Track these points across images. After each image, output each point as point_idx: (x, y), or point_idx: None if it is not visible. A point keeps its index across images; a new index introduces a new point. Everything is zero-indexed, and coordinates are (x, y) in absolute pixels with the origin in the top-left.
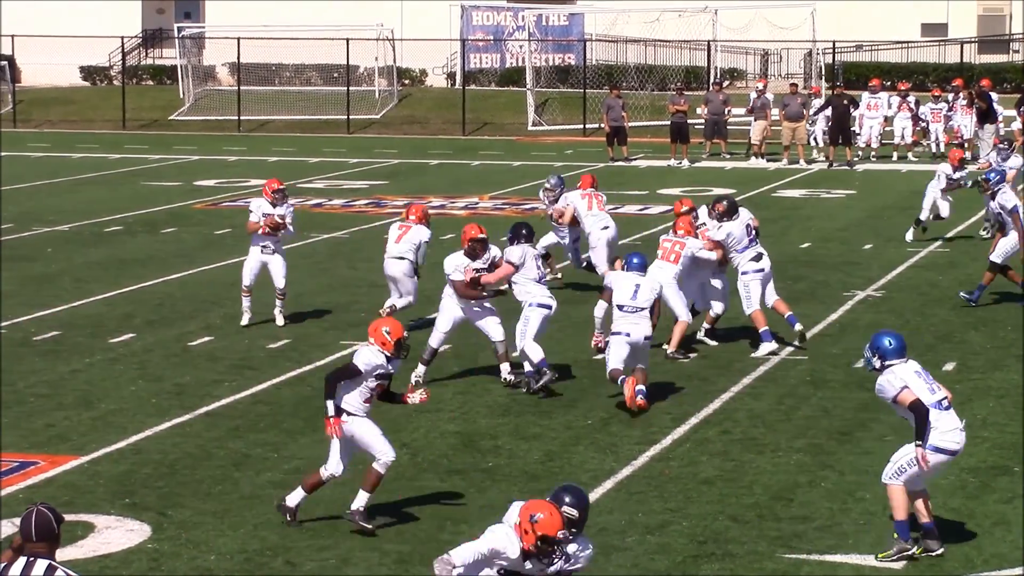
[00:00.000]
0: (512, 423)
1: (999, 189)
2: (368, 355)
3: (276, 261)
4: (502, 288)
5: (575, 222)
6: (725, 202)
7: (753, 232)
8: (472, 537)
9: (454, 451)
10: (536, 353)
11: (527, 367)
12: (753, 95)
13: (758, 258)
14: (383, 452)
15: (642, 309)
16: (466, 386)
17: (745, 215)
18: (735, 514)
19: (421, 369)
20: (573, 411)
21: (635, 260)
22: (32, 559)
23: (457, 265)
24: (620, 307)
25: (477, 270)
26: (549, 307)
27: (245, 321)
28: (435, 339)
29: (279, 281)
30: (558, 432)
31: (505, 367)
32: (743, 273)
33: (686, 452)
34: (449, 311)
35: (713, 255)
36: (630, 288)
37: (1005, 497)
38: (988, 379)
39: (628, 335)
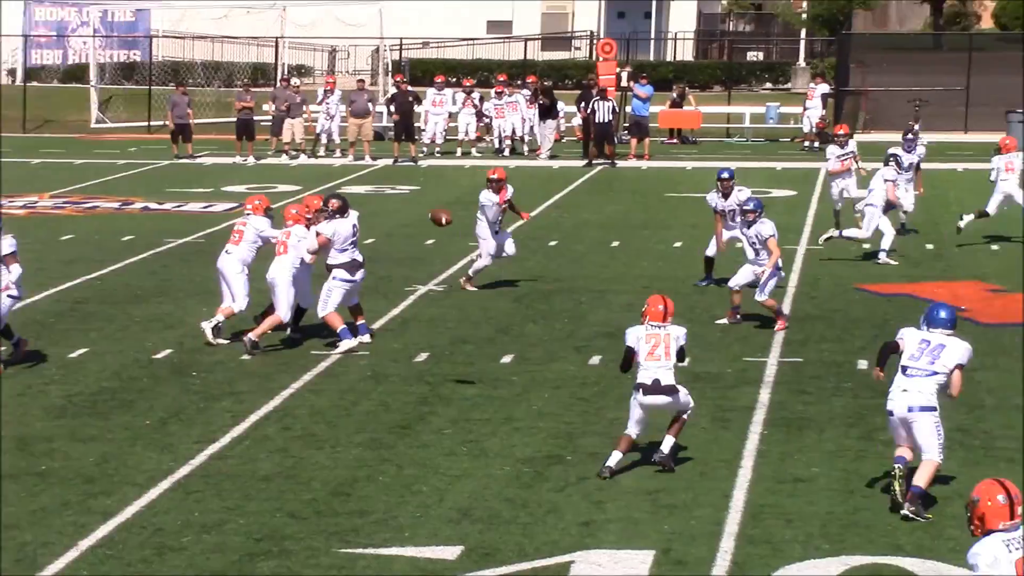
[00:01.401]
0: (68, 425)
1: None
2: None
3: None
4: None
5: None
6: (338, 200)
7: (358, 235)
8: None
9: (7, 455)
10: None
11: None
12: (321, 92)
13: (353, 268)
14: None
15: None
16: (22, 388)
17: (354, 216)
18: (293, 510)
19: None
20: (131, 411)
21: None
22: None
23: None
24: None
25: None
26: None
27: None
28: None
29: None
30: (115, 433)
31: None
32: (333, 277)
33: (245, 450)
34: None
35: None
36: None
37: (558, 486)
38: (545, 370)
39: None
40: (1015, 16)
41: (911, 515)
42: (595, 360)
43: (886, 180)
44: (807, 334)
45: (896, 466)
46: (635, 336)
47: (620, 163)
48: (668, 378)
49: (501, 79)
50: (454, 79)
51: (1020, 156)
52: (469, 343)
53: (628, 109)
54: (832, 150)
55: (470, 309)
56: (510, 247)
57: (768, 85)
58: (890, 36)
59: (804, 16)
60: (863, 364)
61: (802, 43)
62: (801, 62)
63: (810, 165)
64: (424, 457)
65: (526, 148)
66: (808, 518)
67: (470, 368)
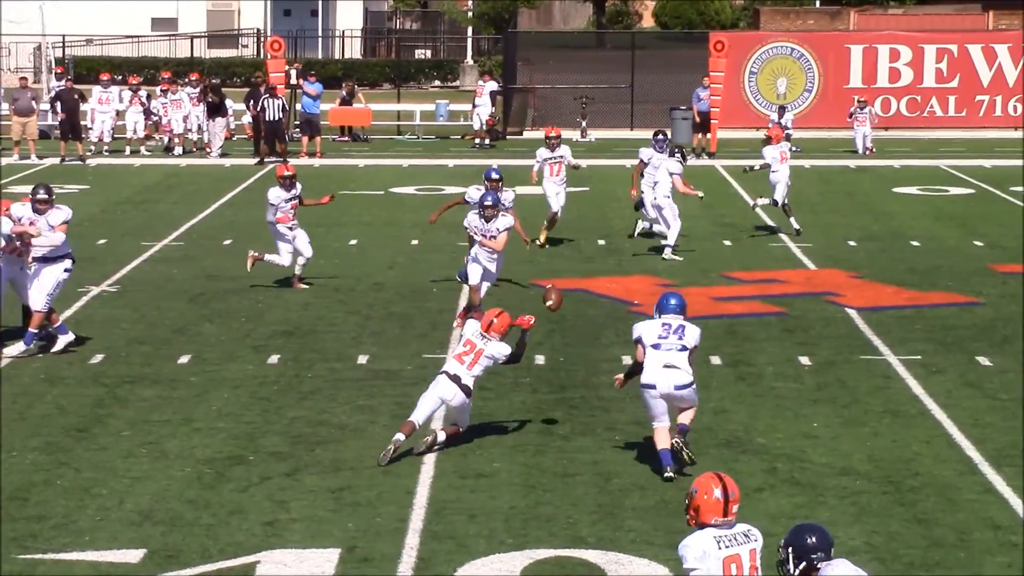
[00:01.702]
0: None
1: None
2: None
3: None
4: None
5: None
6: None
7: None
8: None
9: None
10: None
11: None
12: None
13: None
14: None
15: None
16: None
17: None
18: None
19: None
20: None
21: None
22: None
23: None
24: None
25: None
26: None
27: None
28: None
29: None
30: None
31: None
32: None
33: None
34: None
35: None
36: None
37: (241, 486)
38: (223, 370)
39: None
40: (675, 15)
41: (683, 450)
42: (274, 359)
43: (672, 173)
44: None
45: (674, 440)
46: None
47: (292, 161)
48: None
49: (166, 76)
50: (120, 77)
51: (789, 145)
52: (145, 344)
53: (298, 107)
54: (541, 152)
55: (145, 309)
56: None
57: (437, 83)
58: (555, 34)
59: (470, 14)
60: (541, 359)
61: (469, 41)
62: (469, 60)
63: (482, 162)
64: (103, 460)
65: (195, 147)
66: (491, 513)
67: (147, 369)
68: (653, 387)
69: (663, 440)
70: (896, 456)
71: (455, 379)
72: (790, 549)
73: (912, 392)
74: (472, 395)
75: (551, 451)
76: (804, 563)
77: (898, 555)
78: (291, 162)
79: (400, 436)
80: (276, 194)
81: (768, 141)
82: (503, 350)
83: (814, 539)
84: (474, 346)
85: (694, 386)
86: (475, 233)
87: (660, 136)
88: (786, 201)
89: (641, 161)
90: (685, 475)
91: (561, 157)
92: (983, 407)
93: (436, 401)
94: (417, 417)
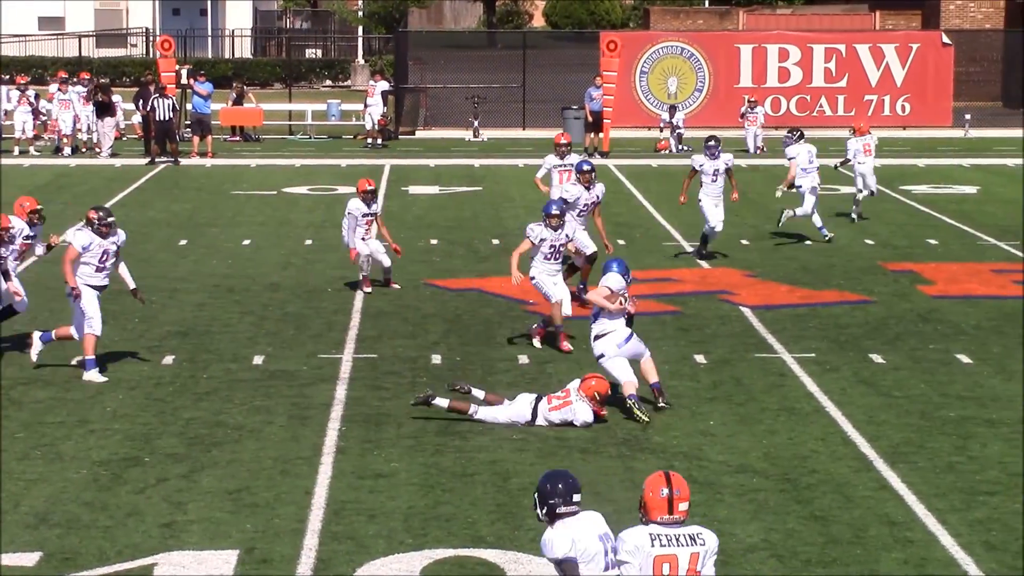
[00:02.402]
0: None
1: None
2: None
3: None
4: None
5: None
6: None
7: None
8: None
9: None
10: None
11: None
12: None
13: None
14: None
15: None
16: None
17: None
18: None
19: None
20: None
21: None
22: None
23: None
24: None
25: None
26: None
27: None
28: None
29: None
30: None
31: None
32: None
33: None
34: None
35: None
36: None
37: (138, 488)
38: (118, 371)
39: None
40: (565, 15)
41: (665, 404)
42: (169, 360)
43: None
44: (381, 330)
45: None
46: None
47: (184, 161)
48: None
49: (62, 76)
50: (7, 76)
51: (875, 138)
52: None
53: (189, 107)
54: (550, 159)
55: (37, 310)
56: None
57: (328, 82)
58: (446, 34)
59: (360, 14)
60: (437, 359)
61: (360, 40)
62: (360, 59)
63: (375, 162)
64: None
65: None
66: (390, 513)
67: (41, 370)
68: (620, 345)
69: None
70: (792, 453)
71: (534, 412)
72: (535, 494)
73: (807, 390)
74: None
75: (450, 451)
76: (545, 508)
77: (795, 552)
78: (183, 162)
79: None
80: (356, 206)
81: (853, 133)
82: (586, 417)
83: (550, 485)
84: (567, 398)
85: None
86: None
87: (712, 142)
88: (874, 190)
89: (693, 169)
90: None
91: (571, 166)
92: (877, 404)
93: (507, 420)
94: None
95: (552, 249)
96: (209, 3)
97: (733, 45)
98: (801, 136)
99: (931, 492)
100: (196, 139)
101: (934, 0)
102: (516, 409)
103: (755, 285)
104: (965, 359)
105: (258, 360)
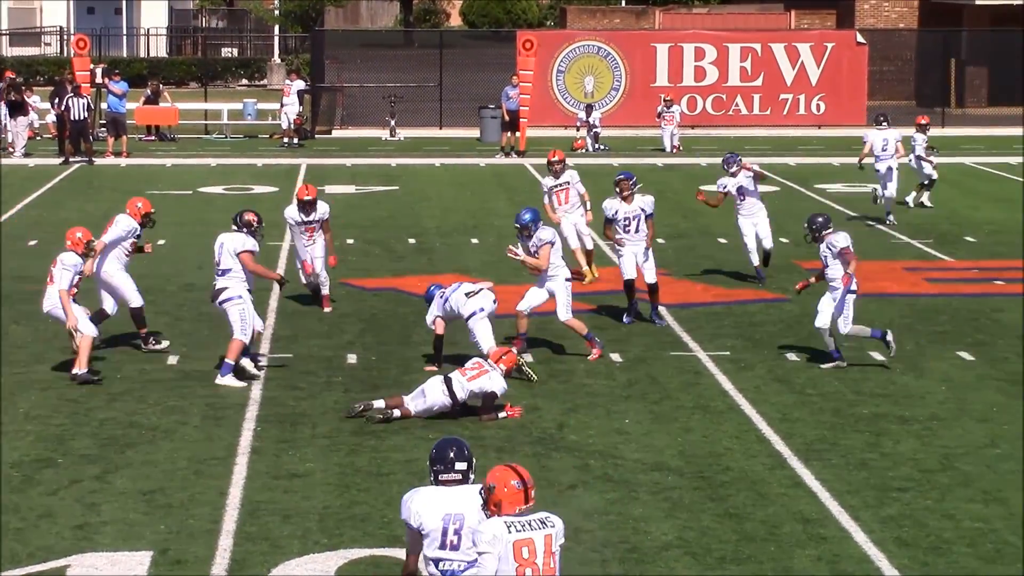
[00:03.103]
0: None
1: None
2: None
3: None
4: None
5: None
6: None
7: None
8: None
9: None
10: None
11: None
12: None
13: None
14: None
15: None
16: None
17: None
18: None
19: None
20: None
21: None
22: None
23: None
24: None
25: None
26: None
27: None
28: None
29: None
30: None
31: None
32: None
33: None
34: None
35: None
36: None
37: (50, 489)
38: (31, 372)
39: None
40: (482, 14)
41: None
42: None
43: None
44: (296, 330)
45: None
46: None
47: (98, 160)
48: None
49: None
50: None
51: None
52: None
53: (104, 106)
54: (546, 182)
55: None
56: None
57: (244, 81)
58: (363, 33)
59: (276, 12)
60: (353, 359)
61: (276, 39)
62: (276, 58)
63: (291, 161)
64: None
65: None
66: (305, 513)
67: None
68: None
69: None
70: (707, 451)
71: (447, 381)
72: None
73: (722, 388)
74: (457, 404)
75: (365, 450)
76: (432, 472)
77: (710, 549)
78: (97, 162)
79: (381, 403)
80: (290, 213)
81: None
82: (503, 385)
83: (437, 450)
84: (481, 367)
85: None
86: None
87: (729, 157)
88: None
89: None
90: None
91: (567, 184)
92: (791, 402)
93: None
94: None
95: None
96: (124, 2)
97: (649, 44)
98: (882, 121)
99: (844, 489)
100: (111, 139)
101: (848, 0)
102: (432, 397)
103: (670, 284)
104: (878, 356)
105: (173, 360)
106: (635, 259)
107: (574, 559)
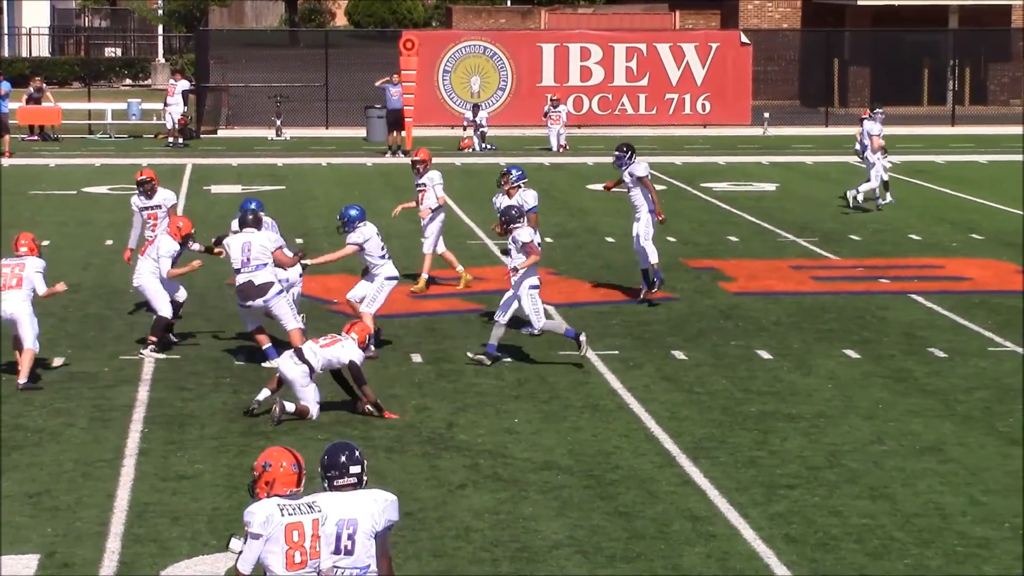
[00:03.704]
0: None
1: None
2: None
3: None
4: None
5: None
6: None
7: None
8: None
9: None
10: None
11: None
12: None
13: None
14: None
15: None
16: None
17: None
18: None
19: None
20: None
21: None
22: None
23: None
24: None
25: None
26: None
27: None
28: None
29: None
30: None
31: None
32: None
33: None
34: None
35: None
36: None
37: None
38: None
39: None
40: (367, 14)
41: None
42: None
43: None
44: (185, 328)
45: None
46: None
47: None
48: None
49: None
50: None
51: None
52: None
53: None
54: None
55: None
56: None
57: (128, 81)
58: (248, 32)
59: (160, 12)
60: (242, 360)
61: (160, 39)
62: (160, 58)
63: (176, 161)
64: None
65: None
66: (194, 515)
67: None
68: None
69: None
70: (596, 450)
71: (296, 352)
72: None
73: (610, 387)
74: (314, 373)
75: (254, 451)
76: (325, 479)
77: (600, 548)
78: None
79: (266, 391)
80: (133, 200)
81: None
82: (356, 355)
83: (325, 457)
84: (335, 337)
85: None
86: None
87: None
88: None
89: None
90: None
91: (425, 185)
92: (679, 400)
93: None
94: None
95: None
96: (4, 2)
97: (535, 44)
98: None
99: (733, 486)
100: None
101: (732, 0)
102: (290, 373)
103: (558, 283)
104: (765, 355)
105: (58, 362)
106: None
107: (464, 558)
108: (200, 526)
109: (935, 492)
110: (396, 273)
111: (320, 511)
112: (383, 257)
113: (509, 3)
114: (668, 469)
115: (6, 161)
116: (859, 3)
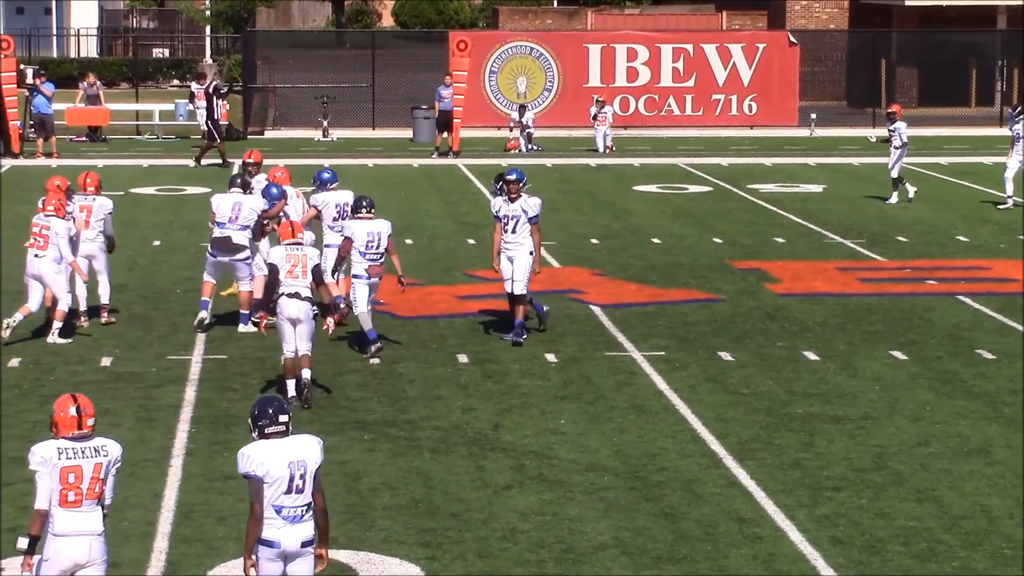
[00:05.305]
0: None
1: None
2: None
3: None
4: None
5: None
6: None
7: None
8: None
9: None
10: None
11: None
12: None
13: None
14: None
15: None
16: None
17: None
18: None
19: None
20: None
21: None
22: None
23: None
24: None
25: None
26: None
27: None
28: None
29: None
30: None
31: None
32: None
33: None
34: None
35: None
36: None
37: None
38: None
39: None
40: (414, 15)
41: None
42: (15, 363)
43: None
44: (229, 331)
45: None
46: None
47: (28, 162)
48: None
49: None
50: None
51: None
52: None
53: (31, 107)
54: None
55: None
56: None
57: (176, 82)
58: (294, 33)
59: (207, 13)
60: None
61: (207, 40)
62: (208, 59)
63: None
64: None
65: None
66: (240, 515)
67: None
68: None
69: None
70: (642, 451)
71: (295, 296)
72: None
73: (656, 388)
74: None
75: None
76: (256, 428)
77: (646, 549)
78: (28, 163)
79: (292, 382)
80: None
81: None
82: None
83: (259, 408)
84: (297, 259)
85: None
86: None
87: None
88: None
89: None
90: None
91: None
92: (725, 401)
93: (289, 326)
94: (288, 350)
95: None
96: (54, 2)
97: (582, 45)
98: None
99: (778, 488)
100: (40, 140)
101: (779, 0)
102: (297, 312)
103: (604, 284)
104: (811, 356)
105: (105, 362)
106: (511, 265)
107: (510, 559)
108: (245, 526)
109: (982, 494)
110: (334, 243)
111: (108, 456)
112: (331, 228)
113: (556, 4)
114: (714, 471)
115: (54, 162)
116: (906, 3)
